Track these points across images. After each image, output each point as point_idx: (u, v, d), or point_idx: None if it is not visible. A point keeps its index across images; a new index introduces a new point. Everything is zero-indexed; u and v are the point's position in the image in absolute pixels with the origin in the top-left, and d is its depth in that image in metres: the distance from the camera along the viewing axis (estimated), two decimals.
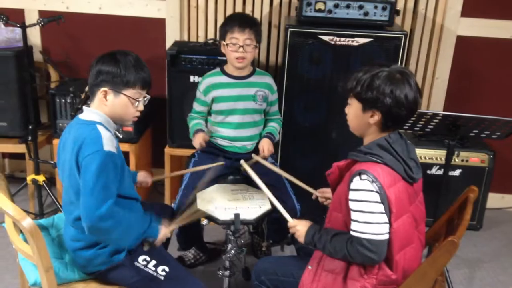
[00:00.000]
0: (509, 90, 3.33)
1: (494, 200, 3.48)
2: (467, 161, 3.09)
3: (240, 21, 2.47)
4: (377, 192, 1.59)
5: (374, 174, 1.60)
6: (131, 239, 1.85)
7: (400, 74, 1.66)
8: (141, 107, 1.89)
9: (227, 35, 2.47)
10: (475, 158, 3.09)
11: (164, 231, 1.93)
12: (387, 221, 1.61)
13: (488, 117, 2.28)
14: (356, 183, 1.63)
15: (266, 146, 2.53)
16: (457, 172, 3.10)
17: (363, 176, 1.61)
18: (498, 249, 3.11)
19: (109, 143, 1.75)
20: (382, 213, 1.60)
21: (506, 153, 3.39)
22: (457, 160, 3.07)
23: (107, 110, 1.84)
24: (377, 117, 1.67)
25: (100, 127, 1.78)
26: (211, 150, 2.60)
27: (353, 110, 1.74)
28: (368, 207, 1.60)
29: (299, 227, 1.83)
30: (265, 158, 2.53)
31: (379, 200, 1.60)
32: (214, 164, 2.39)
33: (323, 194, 2.09)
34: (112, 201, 1.72)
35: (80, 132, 1.78)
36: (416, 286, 1.65)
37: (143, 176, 2.23)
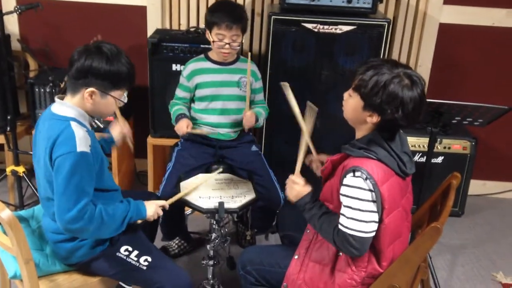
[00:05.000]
0: (491, 77, 3.36)
1: (476, 186, 3.52)
2: (449, 148, 3.12)
3: (228, 17, 2.37)
4: (369, 190, 1.58)
5: (368, 170, 1.58)
6: (110, 232, 1.81)
7: (412, 82, 1.58)
8: (121, 104, 1.86)
9: (214, 29, 2.41)
10: (457, 145, 3.12)
11: (154, 206, 1.91)
12: (375, 220, 1.60)
13: (470, 104, 2.30)
14: (349, 179, 1.62)
15: (248, 120, 2.48)
16: (439, 160, 3.12)
17: (357, 173, 1.60)
18: (480, 235, 3.15)
19: (82, 142, 1.70)
20: (371, 211, 1.59)
21: (488, 140, 3.42)
22: (439, 148, 3.09)
23: (89, 107, 1.78)
24: (375, 119, 1.64)
25: (74, 124, 1.72)
26: (195, 138, 2.57)
27: (352, 103, 1.68)
28: (357, 204, 1.59)
29: (298, 187, 1.77)
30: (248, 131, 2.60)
31: (370, 199, 1.59)
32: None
33: (317, 161, 2.03)
34: (85, 201, 1.68)
35: (53, 129, 1.72)
36: (399, 272, 1.66)
37: (117, 130, 2.13)
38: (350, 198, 1.61)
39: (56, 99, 1.81)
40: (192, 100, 2.61)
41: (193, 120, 2.60)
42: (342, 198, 1.64)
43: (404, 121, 1.61)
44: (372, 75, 1.60)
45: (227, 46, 2.42)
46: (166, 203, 1.98)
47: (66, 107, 1.77)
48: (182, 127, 2.43)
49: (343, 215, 1.63)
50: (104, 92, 1.76)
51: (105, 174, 1.85)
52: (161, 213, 1.95)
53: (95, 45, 1.76)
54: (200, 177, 2.32)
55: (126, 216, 1.82)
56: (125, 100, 1.85)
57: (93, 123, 1.89)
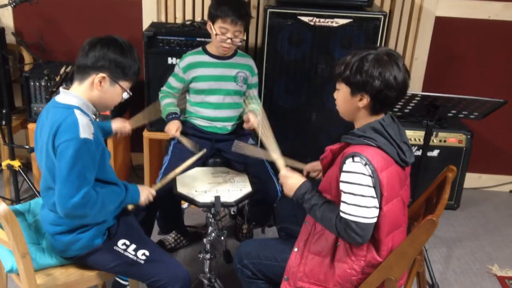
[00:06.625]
0: (487, 71, 3.36)
1: (472, 180, 3.53)
2: (445, 141, 3.12)
3: (234, 12, 2.35)
4: (369, 175, 1.59)
5: (367, 156, 1.59)
6: (109, 213, 1.85)
7: (387, 56, 1.64)
8: (125, 97, 1.88)
9: (217, 21, 2.38)
10: (453, 139, 3.13)
11: (147, 191, 1.94)
12: (377, 205, 1.61)
13: (466, 97, 2.30)
14: (348, 165, 1.62)
15: (252, 116, 2.42)
16: (435, 153, 3.13)
17: (356, 159, 1.60)
18: (475, 228, 3.17)
19: (86, 129, 1.71)
20: (372, 197, 1.60)
21: (484, 133, 3.43)
22: (435, 141, 3.10)
23: (95, 95, 1.79)
24: (365, 100, 1.65)
25: (77, 112, 1.74)
26: (191, 132, 2.57)
27: (341, 95, 1.71)
28: (359, 190, 1.59)
29: (292, 180, 1.79)
30: (252, 131, 2.54)
31: (371, 184, 1.59)
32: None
33: (313, 168, 2.08)
34: (87, 188, 1.69)
35: (57, 117, 1.73)
36: (395, 265, 1.66)
37: (120, 123, 2.19)
38: (351, 184, 1.61)
39: (61, 89, 1.82)
40: (187, 92, 2.60)
41: (189, 113, 2.60)
42: (342, 186, 1.64)
43: (393, 91, 1.63)
44: (350, 58, 1.66)
45: (228, 40, 2.40)
46: (153, 191, 2.00)
47: (71, 96, 1.79)
48: (172, 129, 2.42)
49: (344, 202, 1.62)
50: (114, 80, 1.79)
51: (107, 165, 1.86)
52: (151, 199, 1.97)
53: (108, 36, 1.81)
54: (197, 170, 2.32)
55: (123, 200, 1.85)
56: (130, 93, 1.88)
57: (97, 115, 1.89)
